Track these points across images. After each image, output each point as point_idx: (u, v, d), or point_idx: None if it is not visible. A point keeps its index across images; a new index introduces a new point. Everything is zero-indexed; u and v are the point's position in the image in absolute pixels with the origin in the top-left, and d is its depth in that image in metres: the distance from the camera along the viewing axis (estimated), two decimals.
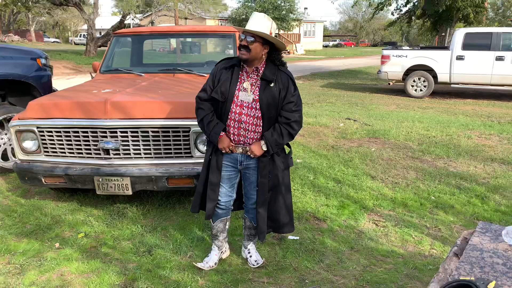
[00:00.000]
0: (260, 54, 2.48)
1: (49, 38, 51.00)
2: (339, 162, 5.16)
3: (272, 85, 2.49)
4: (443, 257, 3.01)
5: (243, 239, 3.00)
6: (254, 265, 2.86)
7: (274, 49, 2.53)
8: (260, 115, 2.51)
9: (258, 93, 2.50)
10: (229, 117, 2.54)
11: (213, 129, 2.54)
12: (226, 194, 2.75)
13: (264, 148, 2.53)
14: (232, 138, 2.58)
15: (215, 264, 2.89)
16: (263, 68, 2.52)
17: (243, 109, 2.51)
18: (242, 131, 2.54)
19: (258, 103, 2.50)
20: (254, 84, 2.52)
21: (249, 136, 2.55)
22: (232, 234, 3.30)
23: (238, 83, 2.53)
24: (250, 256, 2.92)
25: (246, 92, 2.51)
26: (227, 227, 2.92)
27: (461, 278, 1.31)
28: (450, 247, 3.07)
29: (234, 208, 2.91)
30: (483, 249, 1.50)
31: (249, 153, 2.57)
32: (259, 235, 2.72)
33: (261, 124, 2.53)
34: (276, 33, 2.48)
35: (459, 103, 10.63)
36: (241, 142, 2.58)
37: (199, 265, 2.87)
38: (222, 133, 2.56)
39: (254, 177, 2.66)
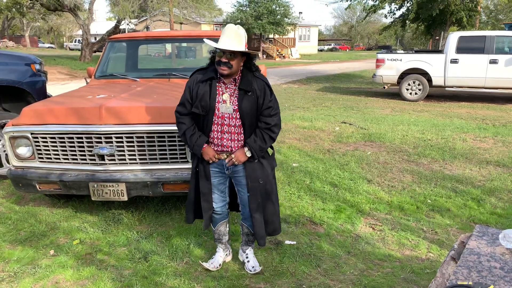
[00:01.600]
0: (239, 66, 2.52)
1: (43, 43, 50.88)
2: (335, 166, 5.16)
3: (249, 93, 2.52)
4: (440, 261, 3.01)
5: (241, 243, 2.99)
6: (251, 271, 2.85)
7: (249, 57, 2.56)
8: (241, 123, 2.55)
9: (237, 103, 2.52)
10: (211, 129, 2.57)
11: (196, 142, 2.56)
12: (219, 199, 2.78)
13: (248, 154, 2.56)
14: (215, 148, 2.60)
15: (219, 265, 2.92)
16: (239, 78, 2.55)
17: (225, 119, 2.55)
18: (225, 141, 2.58)
19: (238, 113, 2.53)
20: (232, 94, 2.54)
21: (232, 145, 2.59)
22: None
23: (217, 96, 2.54)
24: (248, 261, 2.90)
25: (226, 104, 2.53)
26: (227, 229, 2.96)
27: (459, 282, 1.31)
28: (447, 251, 3.07)
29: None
30: (481, 253, 1.50)
31: (233, 161, 2.58)
32: (259, 241, 2.72)
33: (243, 132, 2.57)
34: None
35: (454, 106, 10.69)
36: (224, 150, 2.61)
37: (205, 265, 2.88)
38: (205, 145, 2.57)
39: (245, 179, 2.66)
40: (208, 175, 2.66)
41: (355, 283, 2.74)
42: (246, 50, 2.47)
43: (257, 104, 2.54)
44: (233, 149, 2.59)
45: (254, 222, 2.67)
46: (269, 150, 2.76)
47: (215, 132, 2.57)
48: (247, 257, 2.92)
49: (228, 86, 2.55)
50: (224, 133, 2.56)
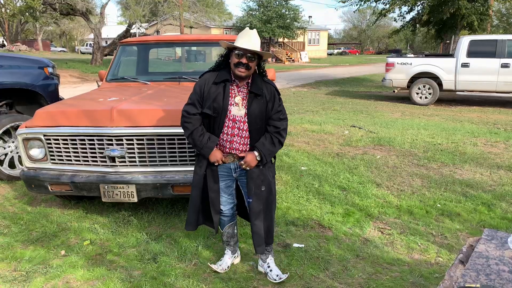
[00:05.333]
0: (254, 69, 2.56)
1: (56, 47, 51.65)
2: (344, 170, 5.15)
3: (260, 97, 2.54)
4: (449, 265, 2.99)
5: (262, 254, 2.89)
6: (275, 280, 2.77)
7: (259, 62, 2.59)
8: (249, 127, 2.56)
9: (248, 107, 2.54)
10: (222, 131, 2.57)
11: (206, 144, 2.54)
12: (227, 202, 2.79)
13: (259, 158, 2.57)
14: (222, 150, 2.61)
15: (228, 267, 2.92)
16: (250, 81, 2.58)
17: (236, 122, 2.56)
18: (234, 144, 2.59)
19: (248, 117, 2.54)
20: (244, 98, 2.56)
21: (241, 148, 2.60)
22: None
23: (230, 98, 2.55)
24: (271, 271, 2.83)
25: (238, 107, 2.55)
26: (235, 231, 2.96)
27: (467, 285, 1.31)
28: (456, 255, 3.05)
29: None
30: (489, 256, 1.50)
31: (244, 166, 2.58)
32: (256, 248, 2.71)
33: (250, 136, 2.58)
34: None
35: (465, 110, 10.60)
36: (231, 153, 2.61)
37: (214, 267, 2.89)
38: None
39: (252, 183, 2.66)
40: (217, 178, 2.67)
41: (363, 286, 2.74)
42: (265, 52, 2.51)
43: (266, 108, 2.56)
44: (241, 152, 2.60)
45: (254, 229, 2.67)
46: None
47: (225, 135, 2.57)
48: (268, 267, 2.85)
49: (241, 90, 2.57)
50: (234, 136, 2.57)
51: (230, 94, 2.55)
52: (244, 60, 2.45)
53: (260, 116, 2.55)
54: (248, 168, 2.59)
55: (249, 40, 2.45)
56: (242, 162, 2.57)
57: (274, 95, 2.59)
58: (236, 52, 2.46)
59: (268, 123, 2.59)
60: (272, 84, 2.63)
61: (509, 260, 1.46)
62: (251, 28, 2.55)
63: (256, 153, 2.56)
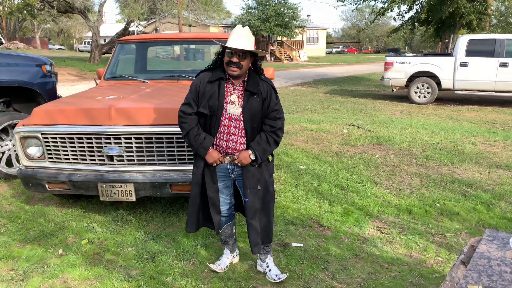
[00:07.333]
0: (248, 67, 2.52)
1: (54, 45, 51.45)
2: (343, 169, 5.14)
3: (255, 95, 2.51)
4: (449, 265, 2.98)
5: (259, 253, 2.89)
6: (275, 279, 2.76)
7: (255, 60, 2.56)
8: (246, 126, 2.53)
9: (244, 105, 2.51)
10: (218, 130, 2.54)
11: (202, 144, 2.53)
12: (225, 202, 2.78)
13: (252, 157, 2.54)
14: (219, 150, 2.59)
15: (226, 267, 2.91)
16: (246, 79, 2.55)
17: (232, 121, 2.53)
18: (230, 143, 2.56)
19: (244, 115, 2.51)
20: (240, 96, 2.53)
21: (238, 148, 2.57)
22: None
23: (225, 96, 2.53)
24: (270, 270, 2.82)
25: (234, 105, 2.52)
26: (234, 231, 2.95)
27: (469, 286, 1.30)
28: (456, 255, 3.04)
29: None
30: (491, 257, 1.49)
31: (236, 162, 2.57)
32: (252, 248, 2.68)
33: (247, 135, 2.55)
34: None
35: (463, 109, 10.60)
36: (229, 152, 2.59)
37: (212, 266, 2.88)
38: (210, 147, 2.55)
39: (247, 181, 2.64)
40: (215, 178, 2.65)
41: (362, 286, 2.73)
42: (256, 50, 2.48)
43: (262, 106, 2.53)
44: (238, 151, 2.58)
45: (250, 228, 2.65)
46: (269, 157, 2.74)
47: (221, 134, 2.55)
48: (267, 266, 2.85)
49: (236, 88, 2.54)
50: (230, 135, 2.54)
51: (226, 93, 2.52)
52: (234, 59, 2.42)
53: (256, 114, 2.52)
54: (240, 164, 2.57)
55: (239, 38, 2.41)
56: (235, 156, 2.55)
57: (270, 93, 2.55)
58: (228, 50, 2.44)
59: (264, 122, 2.56)
60: (269, 82, 2.60)
61: (511, 261, 1.45)
62: (243, 25, 2.52)
63: (250, 151, 2.54)
